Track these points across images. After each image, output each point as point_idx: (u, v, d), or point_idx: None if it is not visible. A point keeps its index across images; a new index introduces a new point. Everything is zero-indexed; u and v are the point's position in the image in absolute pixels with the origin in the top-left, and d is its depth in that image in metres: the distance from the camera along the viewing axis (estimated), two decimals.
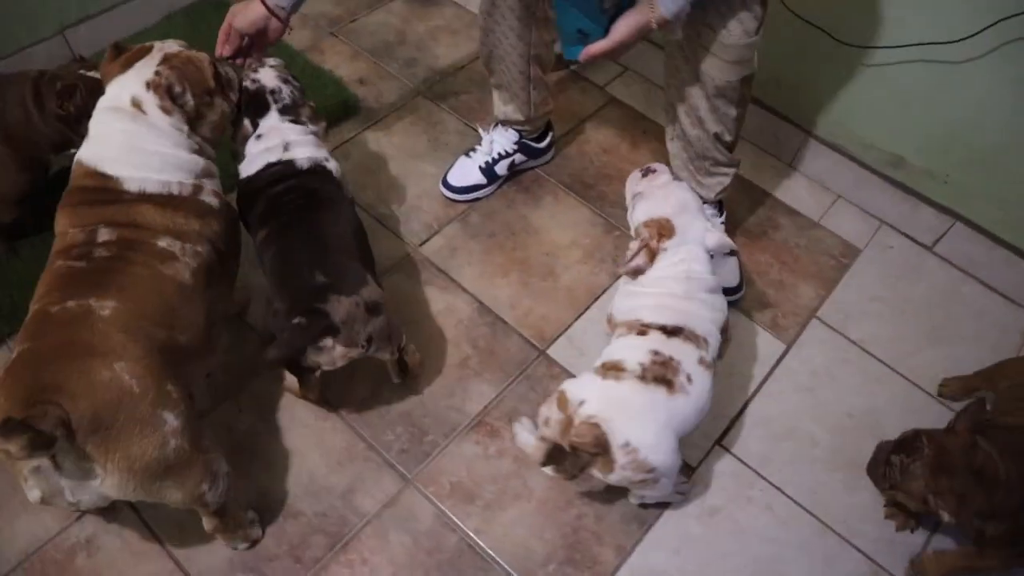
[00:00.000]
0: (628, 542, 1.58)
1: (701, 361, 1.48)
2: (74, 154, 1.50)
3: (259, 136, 1.61)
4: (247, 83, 1.63)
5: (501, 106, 2.02)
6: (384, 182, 2.12)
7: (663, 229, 1.57)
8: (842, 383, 1.84)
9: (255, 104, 1.63)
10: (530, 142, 2.09)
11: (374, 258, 1.63)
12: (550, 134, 2.14)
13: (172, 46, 1.53)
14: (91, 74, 1.74)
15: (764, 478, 1.69)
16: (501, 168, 2.08)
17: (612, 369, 1.47)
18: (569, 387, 1.46)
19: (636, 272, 1.57)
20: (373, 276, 1.51)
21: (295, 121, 1.63)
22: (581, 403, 1.41)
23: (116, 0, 2.34)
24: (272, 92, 1.63)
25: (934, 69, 1.81)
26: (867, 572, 1.59)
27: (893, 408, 1.79)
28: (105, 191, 1.43)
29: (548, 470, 1.49)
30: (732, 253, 1.83)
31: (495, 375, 1.79)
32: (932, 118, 1.91)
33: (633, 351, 1.48)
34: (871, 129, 2.05)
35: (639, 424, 1.40)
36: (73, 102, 1.71)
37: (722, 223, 1.96)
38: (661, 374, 1.44)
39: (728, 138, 1.78)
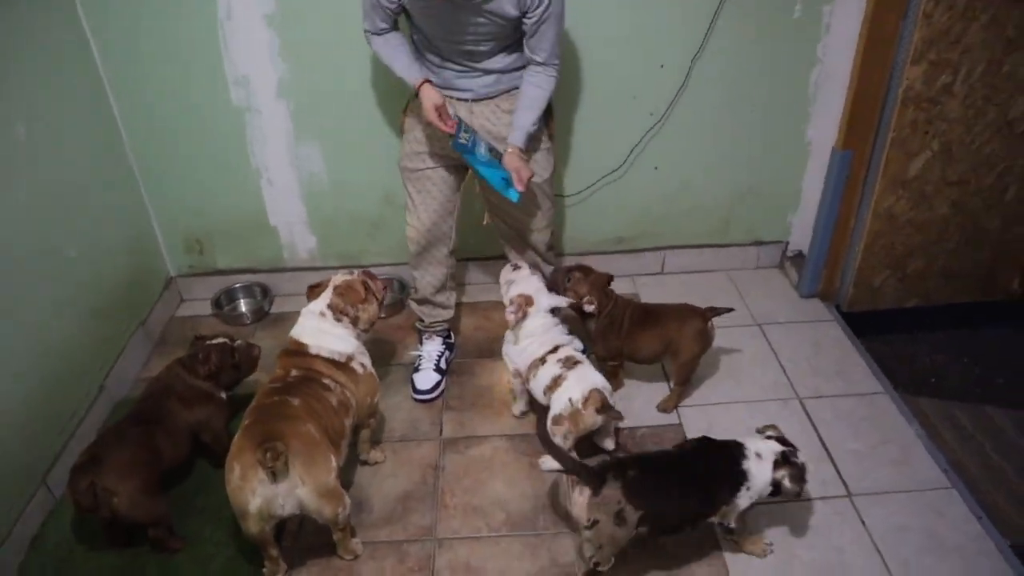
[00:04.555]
0: None
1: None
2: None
3: None
4: None
5: (431, 317, 2.93)
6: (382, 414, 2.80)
7: (528, 302, 2.61)
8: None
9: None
10: (448, 341, 3.04)
11: None
12: (451, 333, 3.10)
13: (340, 278, 2.46)
14: (214, 341, 2.54)
15: None
16: (443, 363, 2.97)
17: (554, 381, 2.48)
18: (555, 405, 2.43)
19: (517, 323, 2.58)
20: None
21: None
22: (571, 399, 2.39)
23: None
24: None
25: (617, 184, 3.30)
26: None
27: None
28: (300, 352, 2.36)
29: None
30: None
31: None
32: (626, 210, 3.39)
33: (553, 365, 2.51)
34: (597, 231, 3.45)
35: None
36: (211, 363, 2.48)
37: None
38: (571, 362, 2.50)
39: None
